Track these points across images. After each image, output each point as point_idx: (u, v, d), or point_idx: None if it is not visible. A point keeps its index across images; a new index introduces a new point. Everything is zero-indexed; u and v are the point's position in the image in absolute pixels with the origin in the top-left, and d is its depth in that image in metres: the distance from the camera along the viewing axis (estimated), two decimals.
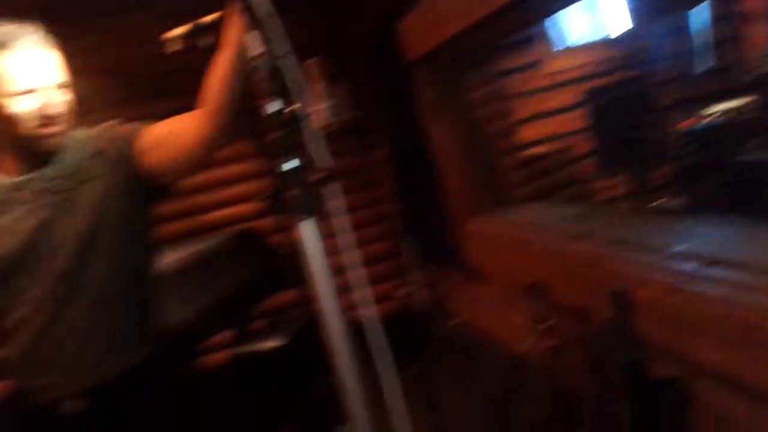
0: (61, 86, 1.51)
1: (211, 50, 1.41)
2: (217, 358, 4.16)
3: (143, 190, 1.56)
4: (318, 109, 2.66)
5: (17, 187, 1.51)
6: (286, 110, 0.96)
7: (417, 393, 2.97)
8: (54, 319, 1.49)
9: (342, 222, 1.04)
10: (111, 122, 1.63)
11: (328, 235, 1.15)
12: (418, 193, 3.87)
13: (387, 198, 4.50)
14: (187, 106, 1.52)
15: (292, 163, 0.97)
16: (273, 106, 0.97)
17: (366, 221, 4.65)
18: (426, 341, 3.88)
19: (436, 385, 2.99)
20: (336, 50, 3.93)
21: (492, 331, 3.46)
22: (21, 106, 1.44)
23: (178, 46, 1.45)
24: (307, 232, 0.97)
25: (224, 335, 4.05)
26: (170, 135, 1.52)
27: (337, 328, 1.01)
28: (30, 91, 1.45)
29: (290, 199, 0.96)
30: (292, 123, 0.95)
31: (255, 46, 0.99)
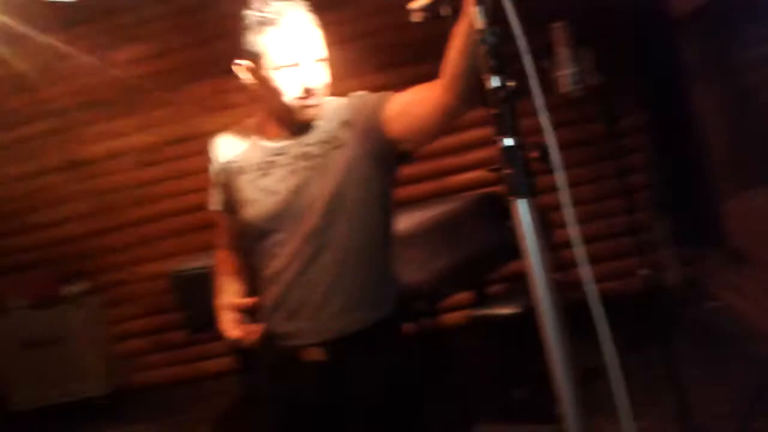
0: (321, 61, 1.63)
1: (455, 19, 1.41)
2: (456, 317, 4.29)
3: (387, 156, 1.64)
4: (562, 75, 2.56)
5: (279, 152, 1.67)
6: (506, 86, 0.94)
7: (660, 374, 2.80)
8: (302, 273, 1.64)
9: (565, 196, 1.00)
10: (359, 92, 1.72)
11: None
12: (675, 163, 3.57)
13: (636, 168, 4.22)
14: (436, 72, 1.54)
15: (510, 141, 0.95)
16: (493, 82, 0.95)
17: (610, 192, 4.43)
18: (675, 322, 3.62)
19: (683, 368, 2.78)
20: (586, 12, 3.72)
21: (756, 321, 3.12)
22: (285, 80, 1.59)
23: (421, 17, 1.47)
24: (521, 211, 0.95)
25: (463, 296, 4.16)
26: (412, 104, 1.57)
27: (549, 310, 0.98)
28: (294, 65, 1.58)
29: (506, 177, 0.94)
30: (511, 100, 0.93)
31: (479, 19, 0.98)
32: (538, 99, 0.92)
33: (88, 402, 5.08)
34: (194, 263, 3.76)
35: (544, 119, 0.92)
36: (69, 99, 5.21)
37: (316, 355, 1.65)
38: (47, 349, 5.07)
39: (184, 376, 5.25)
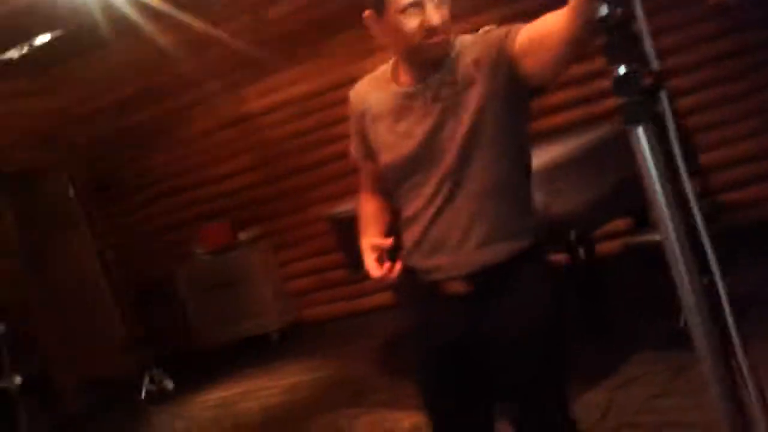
0: None
1: None
2: (613, 246, 4.16)
3: (519, 91, 1.62)
4: None
5: (411, 96, 1.71)
6: (614, 13, 0.91)
7: None
8: (441, 211, 1.69)
9: (672, 128, 0.96)
10: (486, 28, 1.70)
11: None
12: None
13: None
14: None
15: (623, 69, 0.92)
16: (602, 10, 0.93)
17: (745, 113, 4.05)
18: None
19: None
20: None
21: None
22: (408, 21, 1.62)
23: None
24: (640, 140, 0.93)
25: (621, 223, 4.02)
26: (539, 37, 1.54)
27: (674, 238, 0.96)
28: (415, 5, 1.61)
29: (622, 106, 0.92)
30: (621, 26, 0.90)
31: None
32: (642, 24, 0.89)
33: (263, 337, 5.57)
34: (352, 205, 3.91)
35: (649, 45, 0.89)
36: (231, 59, 5.56)
37: (458, 287, 1.71)
38: (227, 291, 5.59)
39: (347, 311, 5.58)
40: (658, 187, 0.95)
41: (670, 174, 0.93)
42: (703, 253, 0.93)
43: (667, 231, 0.94)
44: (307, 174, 5.62)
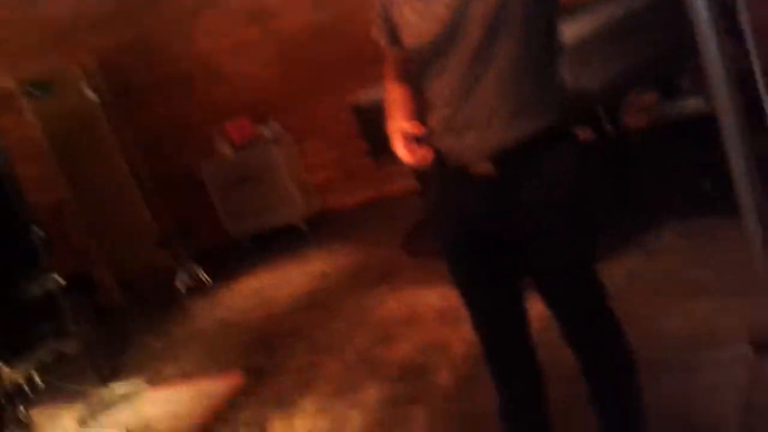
0: None
1: None
2: (640, 119, 4.08)
3: None
4: None
5: None
6: None
7: None
8: (467, 93, 1.64)
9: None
10: None
11: None
12: None
13: None
14: None
15: None
16: None
17: None
18: None
19: None
20: None
21: None
22: None
23: None
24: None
25: (648, 97, 3.92)
26: None
27: (727, 103, 0.92)
28: None
29: None
30: None
31: None
32: None
33: (291, 228, 5.67)
34: (373, 94, 3.86)
35: None
36: None
37: (486, 169, 1.69)
38: (253, 185, 5.64)
39: (371, 199, 5.62)
40: (712, 47, 0.90)
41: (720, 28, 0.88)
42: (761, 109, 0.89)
43: (719, 95, 0.90)
44: (326, 64, 5.51)
